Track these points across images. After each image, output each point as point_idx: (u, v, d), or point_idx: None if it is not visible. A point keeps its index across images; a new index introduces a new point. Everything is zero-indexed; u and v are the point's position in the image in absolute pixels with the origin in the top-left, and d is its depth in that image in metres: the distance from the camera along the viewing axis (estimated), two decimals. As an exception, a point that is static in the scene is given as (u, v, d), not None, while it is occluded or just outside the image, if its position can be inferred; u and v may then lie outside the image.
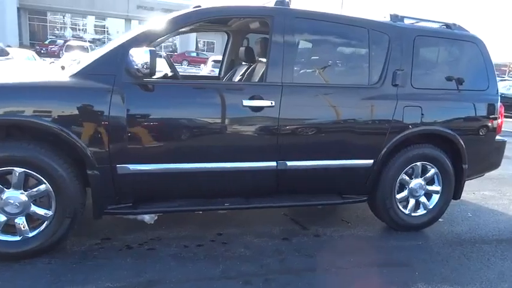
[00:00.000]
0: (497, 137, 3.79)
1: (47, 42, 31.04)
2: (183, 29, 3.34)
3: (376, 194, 3.38)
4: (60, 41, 29.13)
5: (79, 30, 37.19)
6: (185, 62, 30.18)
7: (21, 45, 26.28)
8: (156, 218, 3.12)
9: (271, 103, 2.89)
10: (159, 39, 2.99)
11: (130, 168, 2.68)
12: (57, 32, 36.15)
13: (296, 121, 3.02)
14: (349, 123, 3.17)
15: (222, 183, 2.97)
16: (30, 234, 2.60)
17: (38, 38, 33.57)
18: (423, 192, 3.51)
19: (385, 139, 3.23)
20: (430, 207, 3.55)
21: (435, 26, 3.69)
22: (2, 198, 2.51)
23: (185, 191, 2.93)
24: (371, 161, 3.24)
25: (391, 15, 3.51)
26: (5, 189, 2.52)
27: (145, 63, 2.47)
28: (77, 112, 2.54)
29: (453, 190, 3.61)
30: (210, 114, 2.83)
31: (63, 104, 2.53)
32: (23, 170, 2.50)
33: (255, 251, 2.95)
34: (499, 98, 3.75)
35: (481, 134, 3.66)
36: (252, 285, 2.50)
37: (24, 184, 2.55)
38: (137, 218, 3.05)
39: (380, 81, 3.25)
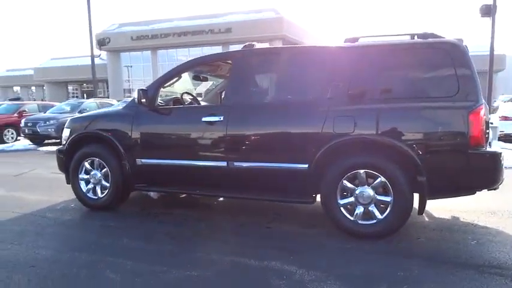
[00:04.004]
0: (478, 150, 3.31)
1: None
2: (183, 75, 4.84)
3: (321, 197, 3.74)
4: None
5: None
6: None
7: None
8: (159, 195, 4.68)
9: (220, 118, 4.01)
10: (168, 83, 4.63)
11: (142, 161, 4.41)
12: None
13: (240, 131, 3.98)
14: (282, 133, 3.82)
15: (193, 175, 4.24)
16: (101, 196, 4.68)
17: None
18: (371, 201, 3.55)
19: (317, 146, 3.65)
20: (380, 217, 3.52)
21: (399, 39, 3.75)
22: (92, 175, 4.71)
23: (173, 178, 4.37)
24: (305, 165, 3.71)
25: (346, 39, 3.90)
26: (94, 170, 4.72)
27: (138, 97, 4.21)
28: (118, 127, 4.52)
29: (410, 203, 3.45)
30: (184, 128, 4.25)
31: (112, 122, 4.57)
32: (98, 159, 4.65)
33: (214, 228, 4.02)
34: (482, 103, 3.32)
35: (446, 145, 3.37)
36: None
37: (100, 167, 4.67)
38: (148, 193, 4.71)
39: (313, 95, 3.75)
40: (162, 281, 2.80)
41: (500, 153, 3.42)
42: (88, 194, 4.74)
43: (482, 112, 3.33)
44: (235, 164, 3.98)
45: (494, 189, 3.55)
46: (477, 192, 3.52)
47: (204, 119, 4.09)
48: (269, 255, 3.23)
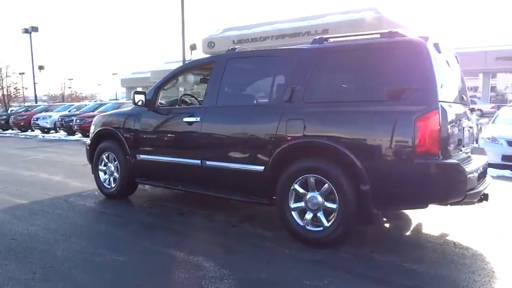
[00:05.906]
0: (427, 159, 2.96)
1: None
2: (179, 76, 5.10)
3: (276, 199, 3.73)
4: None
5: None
6: None
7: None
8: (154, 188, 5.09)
9: (197, 119, 4.25)
10: (165, 86, 5.00)
11: (140, 156, 4.88)
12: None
13: (211, 131, 4.16)
14: (243, 135, 3.89)
15: (176, 172, 4.55)
16: (113, 186, 5.30)
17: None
18: (319, 207, 3.43)
19: (271, 149, 3.66)
20: (327, 225, 3.38)
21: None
22: (107, 167, 5.37)
23: (162, 173, 4.74)
24: (262, 167, 3.74)
25: (314, 39, 3.81)
26: (109, 163, 5.37)
27: (137, 99, 4.69)
28: (124, 125, 5.07)
29: (354, 211, 3.25)
30: (169, 127, 4.59)
31: (120, 121, 5.14)
32: (111, 153, 5.27)
33: (185, 222, 4.30)
34: (435, 108, 2.98)
35: (392, 154, 3.09)
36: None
37: (113, 161, 5.29)
38: (145, 186, 5.14)
39: (273, 98, 3.76)
40: (91, 262, 3.16)
41: (457, 163, 3.00)
42: (104, 184, 5.40)
43: (434, 118, 2.98)
44: (207, 163, 4.18)
45: (459, 203, 3.14)
46: (434, 206, 3.17)
47: (184, 119, 4.38)
48: (203, 251, 3.37)
